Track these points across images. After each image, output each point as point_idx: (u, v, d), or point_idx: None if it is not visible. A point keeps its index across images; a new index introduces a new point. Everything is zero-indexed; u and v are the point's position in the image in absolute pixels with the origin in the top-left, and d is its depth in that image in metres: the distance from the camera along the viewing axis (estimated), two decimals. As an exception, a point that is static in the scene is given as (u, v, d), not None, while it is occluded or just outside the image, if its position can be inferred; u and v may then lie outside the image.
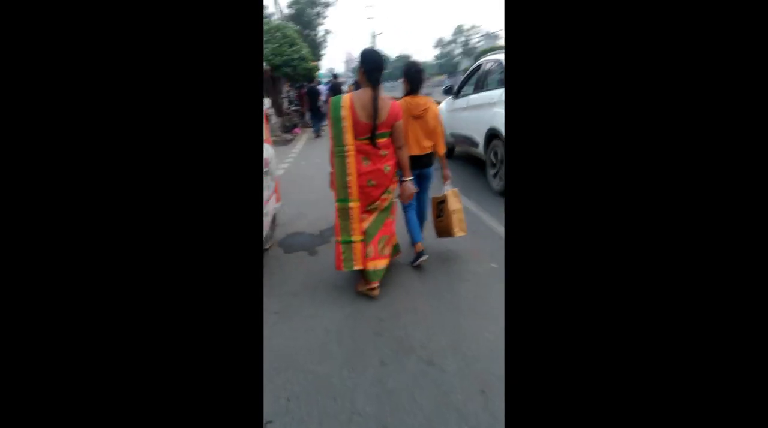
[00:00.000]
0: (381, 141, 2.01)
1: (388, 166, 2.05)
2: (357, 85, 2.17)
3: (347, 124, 1.95)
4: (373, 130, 1.96)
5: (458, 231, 2.45)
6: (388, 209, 2.17)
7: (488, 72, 4.27)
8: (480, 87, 4.31)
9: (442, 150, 2.42)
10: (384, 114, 1.98)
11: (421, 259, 2.41)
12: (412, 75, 2.32)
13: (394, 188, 2.17)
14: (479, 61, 4.59)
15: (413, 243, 2.45)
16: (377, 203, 2.08)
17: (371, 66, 1.98)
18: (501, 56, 4.09)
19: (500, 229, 2.92)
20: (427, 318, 1.92)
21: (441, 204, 2.49)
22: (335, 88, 9.62)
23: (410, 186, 2.18)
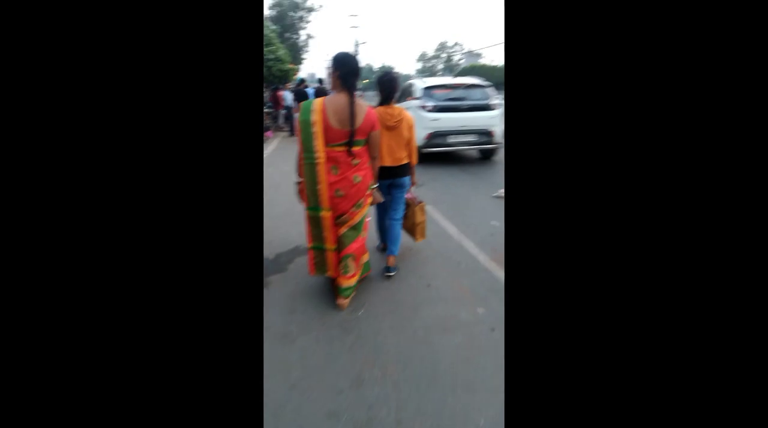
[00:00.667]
0: (356, 149, 1.89)
1: (358, 176, 1.92)
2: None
3: (317, 130, 1.81)
4: (350, 136, 1.84)
5: (420, 238, 2.63)
6: (359, 226, 2.02)
7: (410, 90, 5.95)
8: (405, 98, 5.94)
9: (415, 160, 2.40)
10: (359, 120, 1.85)
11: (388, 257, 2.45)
12: (385, 84, 2.24)
13: (367, 202, 2.04)
14: (407, 82, 6.37)
15: (382, 242, 2.63)
16: (345, 216, 1.96)
17: (346, 70, 1.85)
18: (416, 81, 6.12)
19: (486, 262, 2.52)
20: (400, 390, 1.46)
21: (407, 210, 2.57)
22: (320, 94, 9.20)
23: (377, 193, 2.12)
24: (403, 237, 2.80)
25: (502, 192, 4.11)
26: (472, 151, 5.96)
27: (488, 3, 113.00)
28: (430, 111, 5.22)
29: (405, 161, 2.31)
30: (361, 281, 2.23)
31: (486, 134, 5.36)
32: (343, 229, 1.98)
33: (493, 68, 49.61)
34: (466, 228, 3.11)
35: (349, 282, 2.03)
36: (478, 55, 57.70)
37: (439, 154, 5.53)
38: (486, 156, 6.01)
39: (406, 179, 2.39)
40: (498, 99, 5.62)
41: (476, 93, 5.57)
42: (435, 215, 3.41)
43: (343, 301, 2.03)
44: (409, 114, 2.32)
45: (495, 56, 64.96)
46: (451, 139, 5.30)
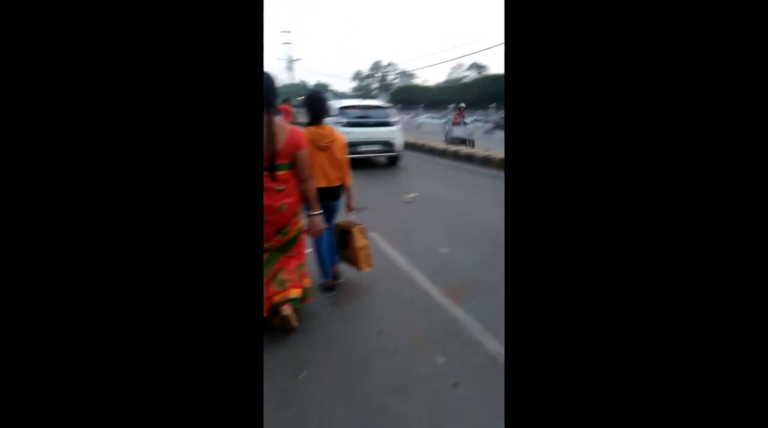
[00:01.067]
0: (281, 173, 1.76)
1: (284, 204, 1.79)
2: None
3: None
4: (270, 159, 1.71)
5: (365, 267, 2.37)
6: (283, 249, 1.90)
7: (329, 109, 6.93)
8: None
9: (349, 181, 2.31)
10: (280, 141, 1.72)
11: (333, 294, 2.34)
12: (314, 104, 2.18)
13: (295, 228, 1.91)
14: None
15: (325, 277, 2.36)
16: (270, 243, 1.84)
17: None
18: (332, 102, 6.71)
19: (440, 298, 2.34)
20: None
21: (345, 234, 2.37)
22: None
23: (319, 220, 1.97)
24: (349, 273, 2.53)
25: (411, 196, 4.83)
26: (381, 157, 7.23)
27: (421, 25, 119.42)
28: (344, 126, 6.31)
29: (338, 182, 2.25)
30: (296, 330, 1.91)
31: (388, 144, 6.81)
32: (267, 254, 1.86)
33: (426, 88, 52.13)
34: (415, 258, 2.93)
35: (294, 292, 1.88)
36: (411, 76, 60.25)
37: (358, 162, 6.33)
38: (392, 162, 7.27)
39: (338, 203, 2.33)
40: (396, 117, 7.23)
41: (380, 112, 7.06)
42: (381, 243, 3.19)
43: (289, 312, 1.84)
44: (340, 134, 2.27)
45: (428, 77, 68.22)
46: (361, 148, 6.57)
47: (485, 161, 7.85)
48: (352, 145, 6.44)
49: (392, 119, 6.96)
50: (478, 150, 8.95)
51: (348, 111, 6.87)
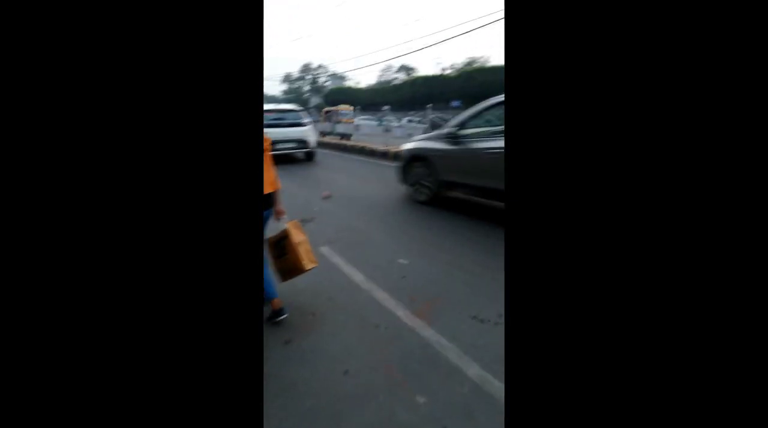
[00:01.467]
0: None
1: None
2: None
3: None
4: None
5: (309, 264, 2.11)
6: None
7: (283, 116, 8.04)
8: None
9: (279, 184, 2.08)
10: None
11: (281, 318, 2.02)
12: None
13: None
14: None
15: (268, 299, 2.01)
16: None
17: None
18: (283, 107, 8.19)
19: (408, 318, 2.10)
20: None
21: (282, 241, 2.11)
22: None
23: None
24: (302, 299, 2.19)
25: (326, 193, 4.98)
26: (299, 154, 8.18)
27: (351, 27, 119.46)
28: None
29: (273, 188, 2.02)
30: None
31: (302, 142, 7.91)
32: None
33: (358, 90, 52.12)
34: (373, 272, 2.65)
35: None
36: (343, 78, 59.90)
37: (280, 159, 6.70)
38: (308, 157, 8.33)
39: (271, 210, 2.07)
40: (308, 118, 8.33)
41: (293, 115, 8.13)
42: (334, 259, 2.87)
43: None
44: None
45: (359, 79, 68.41)
46: (278, 146, 7.38)
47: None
48: (272, 144, 7.01)
49: (304, 120, 8.11)
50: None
51: (265, 114, 7.75)
